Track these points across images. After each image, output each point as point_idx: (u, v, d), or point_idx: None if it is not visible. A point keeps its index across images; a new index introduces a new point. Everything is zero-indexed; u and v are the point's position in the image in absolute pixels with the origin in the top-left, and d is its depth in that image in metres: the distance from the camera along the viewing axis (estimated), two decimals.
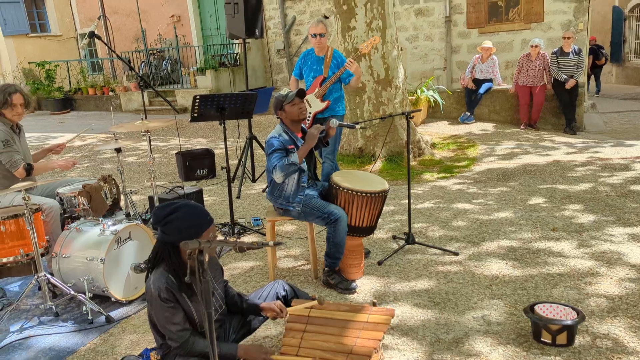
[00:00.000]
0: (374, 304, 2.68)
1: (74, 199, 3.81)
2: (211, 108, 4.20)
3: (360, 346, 2.40)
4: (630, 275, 3.42)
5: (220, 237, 4.26)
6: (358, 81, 5.19)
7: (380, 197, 3.50)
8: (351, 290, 3.44)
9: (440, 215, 4.89)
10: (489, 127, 9.27)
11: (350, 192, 3.43)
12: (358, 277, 3.65)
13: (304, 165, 3.52)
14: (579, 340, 2.73)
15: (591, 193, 5.21)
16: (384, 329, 2.49)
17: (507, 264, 3.75)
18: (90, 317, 3.25)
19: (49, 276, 3.31)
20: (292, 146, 3.48)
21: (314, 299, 2.74)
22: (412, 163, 7.08)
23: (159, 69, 15.30)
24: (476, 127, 9.24)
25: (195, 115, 4.19)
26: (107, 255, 3.31)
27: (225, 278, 2.70)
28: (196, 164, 6.67)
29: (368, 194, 3.43)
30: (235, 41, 15.39)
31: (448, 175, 6.43)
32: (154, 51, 15.33)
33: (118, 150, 4.25)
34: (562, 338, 2.67)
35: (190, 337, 2.32)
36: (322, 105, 5.13)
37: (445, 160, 7.25)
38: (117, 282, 3.41)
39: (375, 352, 2.55)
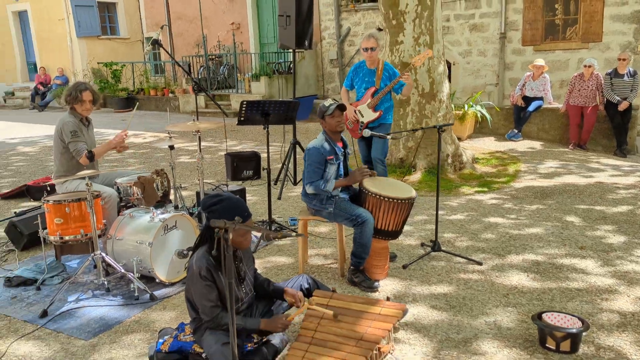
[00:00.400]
0: (387, 299, 2.91)
1: (130, 189, 4.22)
2: (257, 113, 4.55)
3: (370, 334, 2.64)
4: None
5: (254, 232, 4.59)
6: (410, 91, 5.46)
7: (407, 204, 3.72)
8: (373, 289, 3.68)
9: (471, 227, 5.03)
10: (537, 145, 9.25)
11: (378, 197, 3.67)
12: (382, 277, 3.87)
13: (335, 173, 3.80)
14: (583, 349, 2.86)
15: (627, 215, 5.22)
16: (393, 321, 2.72)
17: (528, 276, 3.88)
18: (136, 294, 3.63)
19: (103, 255, 3.71)
20: (332, 157, 3.76)
21: (333, 291, 3.00)
22: (452, 176, 7.22)
23: (217, 74, 15.96)
24: (523, 145, 9.24)
25: (242, 119, 4.55)
26: (155, 240, 3.68)
27: (257, 269, 3.00)
28: (243, 165, 7.06)
29: (395, 200, 3.66)
30: (289, 50, 15.89)
31: (486, 189, 6.54)
32: (213, 56, 16.02)
33: (171, 147, 4.66)
34: (565, 345, 2.82)
35: (220, 312, 2.63)
36: (374, 115, 5.37)
37: (485, 175, 7.33)
38: (162, 265, 3.78)
39: (386, 343, 2.79)
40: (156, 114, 15.51)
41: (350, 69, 5.70)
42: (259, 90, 14.08)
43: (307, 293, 3.01)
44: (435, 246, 4.27)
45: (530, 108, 9.48)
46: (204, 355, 2.62)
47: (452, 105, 7.71)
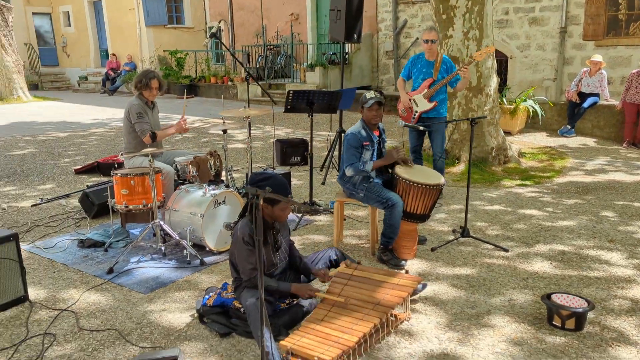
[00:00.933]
0: (406, 272, 3.23)
1: (186, 167, 4.71)
2: (302, 102, 4.92)
3: (387, 300, 2.97)
4: None
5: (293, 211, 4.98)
6: (465, 85, 5.68)
7: (435, 190, 4.00)
8: (400, 267, 3.99)
9: (505, 218, 5.23)
10: (589, 142, 9.17)
11: (408, 182, 3.97)
12: (409, 257, 4.17)
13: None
14: (588, 328, 3.08)
15: None
16: (409, 291, 3.04)
17: (551, 264, 4.08)
18: (188, 259, 4.11)
19: (162, 224, 4.21)
20: (367, 142, 4.10)
21: (359, 263, 3.35)
22: (496, 169, 7.35)
23: (274, 63, 16.48)
24: (575, 141, 9.19)
25: (289, 107, 4.94)
26: (206, 212, 4.13)
27: (294, 244, 3.39)
28: (292, 151, 7.47)
29: (423, 186, 3.95)
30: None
31: (528, 183, 6.65)
32: (271, 46, 16.54)
33: (224, 131, 5.11)
34: (570, 323, 3.05)
35: (257, 274, 3.02)
36: (429, 106, 5.62)
37: (530, 169, 7.41)
38: (211, 235, 4.24)
39: (404, 311, 3.11)
40: (216, 101, 16.24)
41: (408, 60, 5.96)
42: (313, 80, 14.47)
43: (335, 264, 3.37)
44: (464, 232, 4.51)
45: (585, 104, 9.40)
46: (242, 309, 3.03)
47: (502, 100, 7.79)
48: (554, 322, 3.11)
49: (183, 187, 4.45)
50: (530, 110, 9.85)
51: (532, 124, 10.29)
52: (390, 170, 4.25)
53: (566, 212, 5.34)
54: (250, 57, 16.63)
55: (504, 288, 3.65)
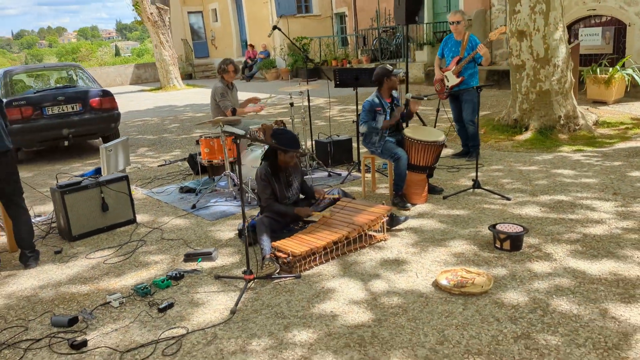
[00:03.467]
0: (382, 204, 4.23)
1: (255, 132, 6.07)
2: (349, 78, 5.99)
3: (358, 221, 4.02)
4: (622, 225, 4.10)
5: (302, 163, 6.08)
6: (487, 62, 6.36)
7: (433, 146, 4.87)
8: (406, 208, 4.93)
9: (532, 176, 5.80)
10: None
11: (410, 140, 4.89)
12: (419, 202, 5.08)
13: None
14: (524, 250, 3.82)
15: None
16: (376, 216, 4.05)
17: (540, 209, 4.71)
18: (249, 200, 5.47)
19: (230, 173, 5.62)
20: (380, 108, 5.09)
21: (353, 199, 4.42)
22: (563, 137, 7.67)
23: (390, 44, 17.34)
24: None
25: (338, 82, 6.04)
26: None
27: (306, 182, 4.55)
28: None
29: (422, 142, 4.84)
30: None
31: (586, 149, 6.95)
32: (387, 28, 17.41)
33: (291, 104, 6.37)
34: (506, 245, 3.82)
35: (271, 202, 4.25)
36: (457, 80, 6.44)
37: (600, 137, 7.60)
38: None
39: (381, 233, 4.14)
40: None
41: (442, 40, 6.75)
42: (421, 58, 15.13)
43: (336, 200, 4.47)
44: (475, 184, 5.27)
45: None
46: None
47: (570, 70, 7.98)
48: (495, 245, 3.90)
49: (249, 147, 5.81)
50: (626, 78, 9.66)
51: (636, 93, 10.06)
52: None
53: (596, 172, 5.74)
54: (366, 40, 17.69)
55: (480, 224, 4.44)
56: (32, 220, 4.32)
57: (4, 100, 8.11)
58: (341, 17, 21.62)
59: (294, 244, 3.83)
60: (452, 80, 6.47)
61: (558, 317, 2.93)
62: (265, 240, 3.89)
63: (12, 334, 3.21)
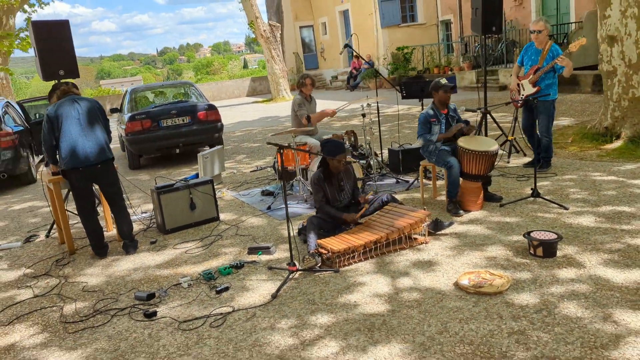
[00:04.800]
0: (424, 209, 4.55)
1: None
2: (415, 90, 6.32)
3: (397, 224, 4.39)
4: None
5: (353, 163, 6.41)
6: (569, 72, 6.33)
7: (484, 155, 5.06)
8: (458, 215, 5.17)
9: (603, 186, 5.71)
10: None
11: (463, 149, 5.13)
12: (474, 209, 5.28)
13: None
14: (558, 258, 3.94)
15: None
16: (415, 220, 4.38)
17: (595, 220, 4.71)
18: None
19: (300, 178, 6.20)
20: (434, 119, 5.39)
21: (400, 204, 4.78)
22: None
23: (495, 50, 17.05)
24: None
25: (404, 94, 6.39)
26: None
27: (359, 188, 4.99)
28: None
29: (474, 152, 5.06)
30: (571, 20, 15.85)
31: None
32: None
33: (363, 115, 6.83)
34: (539, 251, 3.97)
35: (323, 204, 4.75)
36: (533, 90, 6.47)
37: None
38: None
39: (423, 236, 4.48)
40: None
41: (523, 47, 6.79)
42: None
43: (384, 204, 4.86)
44: (534, 193, 5.35)
45: None
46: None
47: None
48: (530, 251, 4.06)
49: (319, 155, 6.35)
50: None
51: None
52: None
53: None
54: (468, 47, 17.54)
55: (524, 230, 4.57)
56: (139, 216, 5.22)
57: (129, 114, 9.48)
58: (447, 24, 21.56)
59: (336, 242, 4.30)
60: (528, 89, 6.50)
61: (560, 318, 3.10)
62: (312, 238, 4.41)
63: (105, 303, 4.04)
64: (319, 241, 4.36)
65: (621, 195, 5.32)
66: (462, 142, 5.23)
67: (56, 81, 5.37)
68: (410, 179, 6.70)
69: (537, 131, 6.48)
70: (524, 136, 6.81)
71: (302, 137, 6.85)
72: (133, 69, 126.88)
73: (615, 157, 7.01)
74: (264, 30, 21.01)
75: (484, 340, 2.95)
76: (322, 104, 17.66)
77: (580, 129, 8.71)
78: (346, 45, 7.22)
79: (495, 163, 5.69)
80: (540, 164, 6.64)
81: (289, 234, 4.12)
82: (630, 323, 2.96)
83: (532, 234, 4.09)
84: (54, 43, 5.82)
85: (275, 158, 7.32)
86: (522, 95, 6.56)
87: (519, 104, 6.65)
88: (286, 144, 4.19)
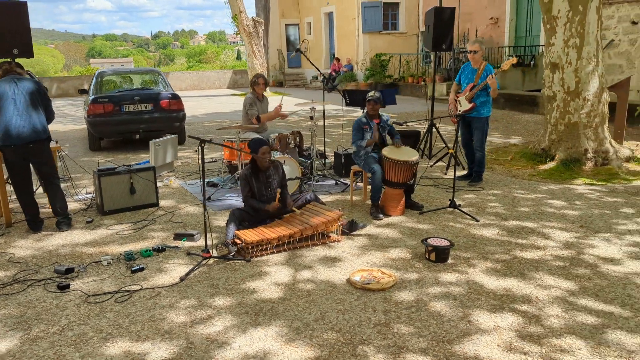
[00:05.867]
0: (338, 210, 4.89)
1: (273, 140, 6.91)
2: (358, 98, 6.66)
3: (312, 222, 4.72)
4: (559, 253, 4.42)
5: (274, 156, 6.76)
6: (494, 93, 6.75)
7: (404, 165, 5.42)
8: (377, 219, 5.52)
9: (522, 202, 6.11)
10: None
11: (385, 158, 5.49)
12: (395, 214, 5.64)
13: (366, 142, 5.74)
14: (448, 263, 4.30)
15: None
16: (328, 219, 4.72)
17: (498, 232, 5.10)
18: None
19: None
20: (366, 126, 5.74)
21: (322, 204, 5.11)
22: (586, 169, 7.75)
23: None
24: None
25: (348, 102, 6.73)
26: None
27: (286, 185, 5.31)
28: (403, 140, 9.06)
29: (394, 161, 5.42)
30: (541, 42, 16.37)
31: (597, 183, 7.05)
32: (463, 50, 17.60)
33: (311, 117, 7.15)
34: (433, 256, 4.33)
35: (249, 198, 5.06)
36: (469, 106, 6.88)
37: (626, 173, 7.57)
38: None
39: (337, 235, 4.82)
40: (409, 98, 18.10)
41: (461, 67, 7.20)
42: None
43: (307, 202, 5.19)
44: (451, 203, 5.73)
45: None
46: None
47: (604, 105, 8.01)
48: (425, 256, 4.42)
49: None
50: None
51: None
52: None
53: (586, 205, 5.93)
54: (442, 60, 17.99)
55: (429, 236, 4.93)
56: (83, 196, 5.49)
57: (93, 96, 9.68)
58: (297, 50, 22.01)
59: (252, 234, 4.62)
60: (464, 105, 6.90)
61: (424, 314, 3.46)
62: (230, 229, 4.72)
63: (26, 274, 4.30)
64: (237, 232, 4.68)
65: (532, 212, 5.72)
66: (385, 151, 5.59)
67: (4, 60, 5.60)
68: (349, 181, 7.03)
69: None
70: (462, 150, 7.21)
71: (250, 133, 7.14)
72: (125, 50, 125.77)
73: (544, 177, 7.44)
74: (247, 25, 21.22)
75: (351, 329, 3.29)
76: (291, 101, 18.03)
77: (522, 148, 9.15)
78: (297, 50, 7.54)
79: (418, 174, 6.07)
80: (472, 177, 7.04)
81: (205, 222, 4.42)
82: (482, 324, 3.32)
83: (428, 240, 4.45)
84: (11, 22, 6.04)
85: (222, 153, 7.61)
86: (460, 110, 6.95)
87: (455, 119, 7.04)
88: (208, 139, 4.48)
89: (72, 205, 6.25)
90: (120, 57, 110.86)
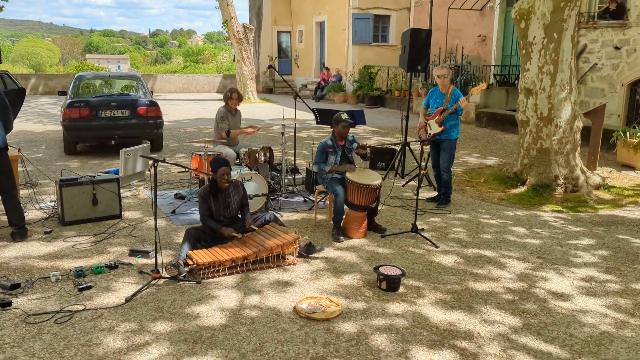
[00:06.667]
0: (295, 232, 4.87)
1: (243, 154, 6.88)
2: (328, 118, 6.65)
3: (267, 244, 4.70)
4: (511, 285, 4.43)
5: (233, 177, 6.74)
6: (467, 115, 6.79)
7: (367, 188, 5.41)
8: (338, 241, 5.50)
9: (485, 229, 6.12)
10: None
11: (348, 181, 5.49)
12: (356, 237, 5.63)
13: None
14: (398, 292, 4.29)
15: None
16: (283, 242, 4.69)
17: (455, 260, 5.09)
18: None
19: None
20: (331, 149, 5.74)
21: (281, 224, 5.09)
22: (556, 195, 7.77)
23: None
24: None
25: (318, 120, 6.73)
26: None
27: (247, 205, 5.27)
28: (378, 157, 9.07)
29: (357, 184, 5.41)
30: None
31: (564, 210, 7.09)
32: (453, 65, 17.69)
33: (282, 133, 7.13)
34: (384, 285, 4.31)
35: (206, 217, 5.02)
36: (439, 129, 6.90)
37: (594, 201, 7.62)
38: None
39: (293, 257, 4.79)
40: (394, 112, 18.14)
41: (428, 91, 7.23)
42: (474, 99, 15.30)
43: (266, 223, 5.17)
44: (413, 228, 5.73)
45: None
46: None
47: (577, 132, 8.06)
48: (377, 284, 4.41)
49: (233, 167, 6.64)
50: None
51: None
52: None
53: (548, 234, 5.95)
54: (428, 74, 18.07)
55: (386, 262, 4.92)
56: (45, 204, 5.47)
57: (69, 100, 9.61)
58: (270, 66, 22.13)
59: (204, 255, 4.58)
60: (434, 128, 6.93)
61: (363, 348, 3.44)
62: (184, 248, 4.69)
63: None
64: (190, 252, 4.64)
65: (494, 240, 5.73)
66: (349, 174, 5.58)
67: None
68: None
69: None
70: (432, 171, 7.24)
71: (221, 147, 7.12)
72: (122, 47, 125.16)
73: (514, 202, 7.46)
74: (237, 31, 21.22)
75: None
76: (268, 111, 18.05)
77: (497, 170, 9.18)
78: (270, 67, 7.54)
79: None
80: (440, 200, 7.06)
81: (155, 242, 4.38)
82: (416, 358, 3.31)
83: (380, 269, 4.43)
84: None
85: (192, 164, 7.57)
86: (430, 133, 6.98)
87: (426, 142, 7.04)
88: (162, 158, 4.45)
89: (33, 214, 6.19)
90: (117, 53, 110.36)
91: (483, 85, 6.76)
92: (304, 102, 7.19)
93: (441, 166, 6.96)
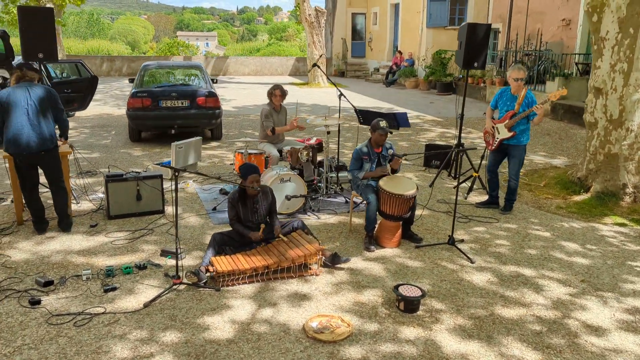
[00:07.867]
0: (319, 243, 4.79)
1: (286, 153, 6.86)
2: (371, 119, 6.45)
3: (289, 254, 4.66)
4: (543, 313, 4.12)
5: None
6: (540, 120, 6.35)
7: (400, 198, 5.21)
8: (369, 249, 5.37)
9: (532, 243, 5.73)
10: None
11: (382, 189, 5.30)
12: (390, 246, 5.46)
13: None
14: (417, 314, 4.12)
15: None
16: (307, 252, 4.63)
17: (489, 280, 4.82)
18: None
19: None
20: (366, 157, 5.57)
21: (307, 234, 5.03)
22: (623, 205, 7.18)
23: (531, 69, 16.58)
24: None
25: (361, 121, 6.55)
26: (272, 184, 6.23)
27: (276, 211, 5.24)
28: (434, 156, 8.77)
29: (390, 193, 5.22)
30: None
31: (628, 224, 6.51)
32: (530, 52, 16.67)
33: (328, 132, 7.02)
34: (402, 305, 4.16)
35: (234, 222, 5.05)
36: (508, 135, 6.49)
37: None
38: (278, 200, 6.32)
39: (317, 267, 4.74)
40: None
41: (497, 92, 6.80)
42: (551, 89, 14.33)
43: (294, 230, 5.12)
44: (450, 240, 5.47)
45: None
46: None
47: None
48: (396, 304, 4.25)
49: (271, 166, 6.64)
50: None
51: None
52: None
53: (603, 253, 5.49)
54: (504, 62, 17.14)
55: (419, 279, 4.74)
56: (97, 196, 5.87)
57: (134, 90, 10.02)
58: (495, 32, 20.99)
59: (225, 263, 4.62)
60: (503, 133, 6.51)
61: None
62: (208, 254, 4.75)
63: (10, 282, 4.54)
64: (212, 259, 4.70)
65: (537, 256, 5.36)
66: (382, 181, 5.40)
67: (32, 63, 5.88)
68: (359, 200, 6.89)
69: (509, 174, 6.59)
70: (482, 176, 6.87)
71: (266, 145, 7.14)
72: (211, 24, 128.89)
73: (573, 211, 6.95)
74: (309, 15, 21.15)
75: None
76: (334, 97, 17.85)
77: (561, 173, 8.59)
78: (314, 65, 7.40)
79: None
80: (504, 206, 6.73)
81: (176, 249, 4.47)
82: None
83: (399, 288, 4.27)
84: (39, 27, 6.34)
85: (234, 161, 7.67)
86: (497, 138, 6.58)
87: (493, 147, 6.66)
88: (183, 168, 4.51)
89: (84, 205, 6.53)
90: (205, 30, 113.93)
91: (563, 91, 6.23)
92: (348, 101, 6.99)
93: (509, 173, 6.59)
